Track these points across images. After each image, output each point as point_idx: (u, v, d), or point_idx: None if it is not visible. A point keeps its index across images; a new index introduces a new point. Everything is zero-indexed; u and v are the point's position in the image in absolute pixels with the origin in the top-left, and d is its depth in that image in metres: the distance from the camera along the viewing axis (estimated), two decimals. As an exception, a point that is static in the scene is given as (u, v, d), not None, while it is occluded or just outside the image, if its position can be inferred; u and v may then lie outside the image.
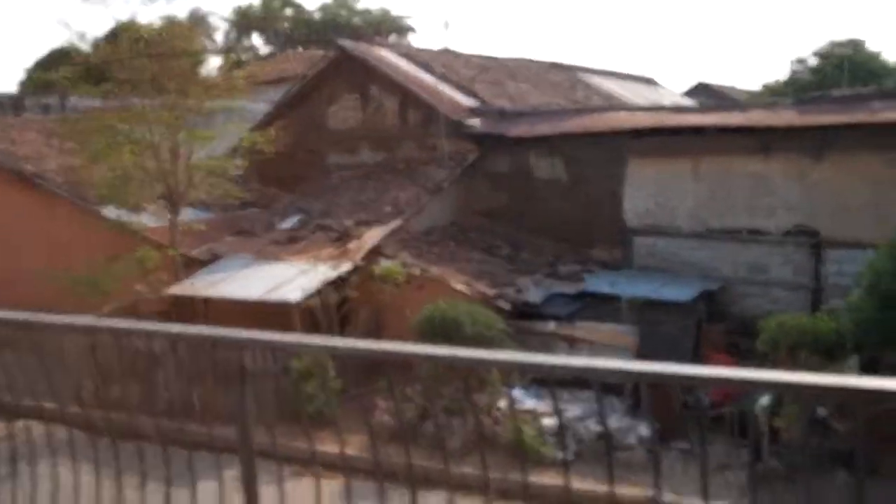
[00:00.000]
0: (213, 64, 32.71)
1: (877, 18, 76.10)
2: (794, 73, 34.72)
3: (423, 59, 20.16)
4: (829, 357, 10.65)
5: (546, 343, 13.24)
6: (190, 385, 11.68)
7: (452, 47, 23.49)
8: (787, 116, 14.31)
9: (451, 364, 2.98)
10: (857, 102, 14.28)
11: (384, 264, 13.83)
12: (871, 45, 33.91)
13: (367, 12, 42.45)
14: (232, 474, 3.72)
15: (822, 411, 10.55)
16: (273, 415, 4.11)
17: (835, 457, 9.26)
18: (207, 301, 14.57)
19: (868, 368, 10.47)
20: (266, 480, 3.51)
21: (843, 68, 29.95)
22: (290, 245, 15.55)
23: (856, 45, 32.63)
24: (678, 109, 17.29)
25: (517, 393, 11.38)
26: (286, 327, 12.06)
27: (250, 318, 9.83)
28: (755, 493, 2.50)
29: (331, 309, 13.28)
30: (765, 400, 10.64)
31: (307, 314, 13.40)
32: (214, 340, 3.60)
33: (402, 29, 41.41)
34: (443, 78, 18.85)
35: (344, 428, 4.31)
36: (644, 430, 11.51)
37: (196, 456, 3.82)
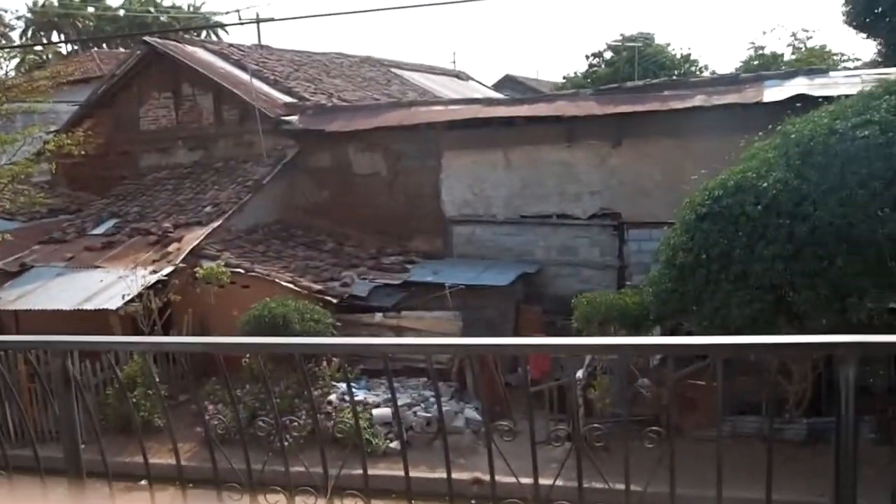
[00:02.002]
0: (10, 64, 30.55)
1: (664, 13, 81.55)
2: (591, 65, 36.55)
3: (236, 55, 19.84)
4: (635, 329, 11.45)
5: (374, 334, 13.47)
6: (6, 401, 11.10)
7: (265, 43, 23.25)
8: (587, 106, 15.18)
9: (292, 351, 3.09)
10: (649, 92, 15.34)
11: (207, 265, 13.59)
12: (660, 39, 36.18)
13: (176, 9, 40.97)
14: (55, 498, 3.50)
15: (643, 381, 11.40)
16: (99, 427, 3.87)
17: (643, 422, 10.05)
18: (18, 315, 13.80)
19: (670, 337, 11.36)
20: (94, 498, 3.38)
21: (635, 61, 31.91)
22: (105, 251, 14.94)
23: (645, 39, 34.74)
24: (489, 102, 17.90)
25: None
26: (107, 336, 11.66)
27: (67, 330, 9.48)
28: (580, 462, 2.77)
29: (153, 314, 12.94)
30: (579, 374, 11.38)
31: (128, 321, 13.00)
32: (33, 346, 3.37)
33: (213, 26, 40.24)
34: (257, 75, 18.64)
35: (169, 436, 4.07)
36: (470, 412, 12.01)
37: (17, 479, 3.53)
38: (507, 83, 38.32)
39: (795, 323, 9.41)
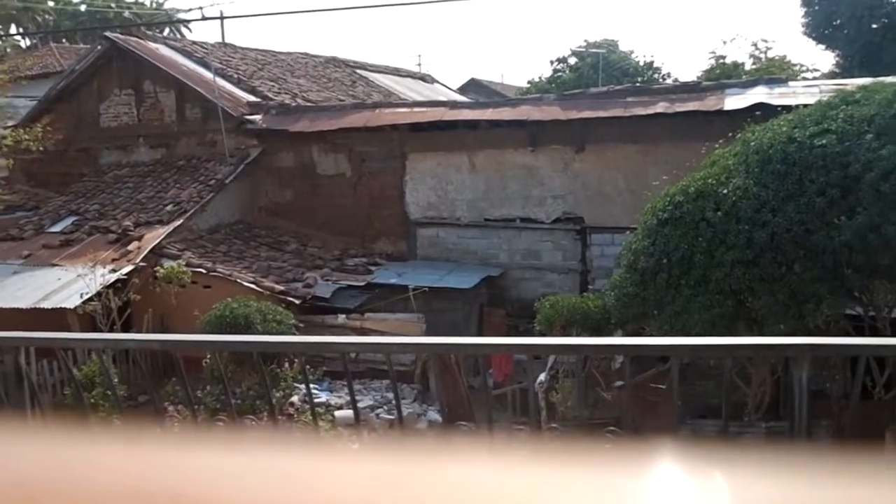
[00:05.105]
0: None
1: (628, 21, 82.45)
2: (555, 70, 36.73)
3: (199, 53, 19.67)
4: (597, 332, 11.50)
5: (337, 336, 13.42)
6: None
7: (229, 41, 23.10)
8: (551, 111, 15.25)
9: (249, 349, 3.07)
10: (612, 98, 15.45)
11: (168, 265, 13.45)
12: (624, 46, 36.48)
13: (138, 4, 40.51)
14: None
15: (617, 385, 11.47)
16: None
17: (604, 425, 10.12)
18: (-29, 313, 13.53)
19: (631, 341, 11.44)
20: None
21: (599, 67, 32.15)
22: (63, 249, 14.72)
23: (610, 46, 35.00)
24: (454, 105, 17.91)
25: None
26: (64, 335, 11.46)
27: (24, 329, 9.31)
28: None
29: (112, 314, 12.76)
30: (542, 377, 11.43)
31: (87, 321, 12.79)
32: None
33: (176, 22, 39.85)
34: (221, 73, 18.49)
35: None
36: (433, 414, 12.00)
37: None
38: (472, 86, 38.43)
39: (755, 328, 9.53)
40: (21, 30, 37.91)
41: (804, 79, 25.53)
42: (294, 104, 18.50)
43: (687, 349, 2.74)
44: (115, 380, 10.64)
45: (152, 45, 19.24)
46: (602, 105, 14.99)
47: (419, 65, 40.55)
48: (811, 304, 9.00)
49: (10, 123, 17.25)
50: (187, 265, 13.56)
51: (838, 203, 8.91)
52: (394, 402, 11.51)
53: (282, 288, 13.68)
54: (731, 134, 10.95)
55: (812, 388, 2.38)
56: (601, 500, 0.68)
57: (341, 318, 13.72)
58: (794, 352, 2.31)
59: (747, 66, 32.94)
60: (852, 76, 17.67)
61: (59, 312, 12.56)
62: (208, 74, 17.79)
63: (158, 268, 13.42)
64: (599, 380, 11.36)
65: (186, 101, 18.04)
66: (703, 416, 10.92)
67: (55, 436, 0.86)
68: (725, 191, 9.63)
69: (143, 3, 41.16)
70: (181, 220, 15.20)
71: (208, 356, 10.35)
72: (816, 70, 32.24)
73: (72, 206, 16.98)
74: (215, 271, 13.80)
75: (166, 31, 37.68)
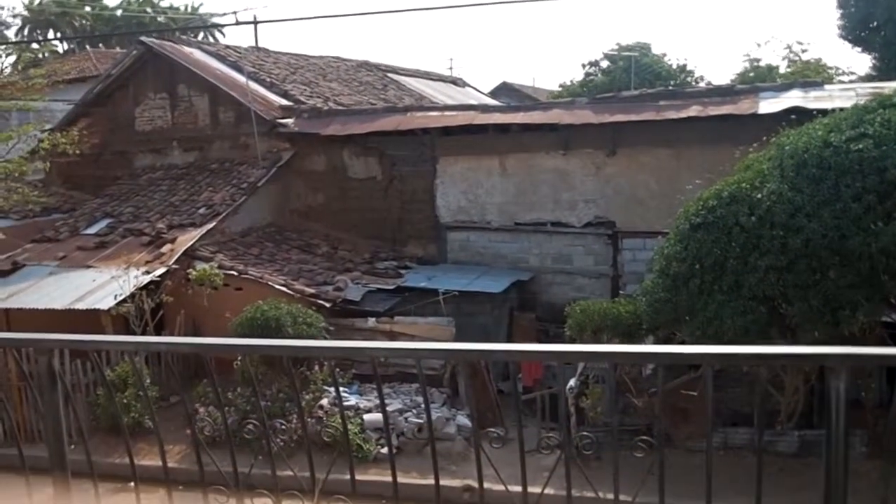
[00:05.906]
0: (6, 62, 30.64)
1: (661, 24, 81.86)
2: (587, 74, 36.54)
3: (233, 57, 19.82)
4: (628, 338, 11.41)
5: (367, 339, 13.43)
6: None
7: (262, 45, 23.26)
8: (583, 115, 15.18)
9: (279, 353, 3.06)
10: (645, 101, 15.33)
11: (200, 267, 13.55)
12: (657, 49, 36.16)
13: (173, 9, 40.98)
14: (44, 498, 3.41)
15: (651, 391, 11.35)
16: (87, 427, 3.82)
17: (634, 432, 10.02)
18: (8, 314, 13.73)
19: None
20: (79, 499, 3.28)
21: (631, 70, 31.93)
22: (98, 251, 14.89)
23: (642, 49, 34.75)
24: (485, 108, 17.85)
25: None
26: (98, 336, 11.58)
27: (58, 330, 9.40)
28: (569, 470, 2.77)
29: (145, 315, 12.89)
30: (572, 382, 11.36)
31: (120, 322, 12.94)
32: (18, 345, 3.28)
33: (210, 27, 40.26)
34: (254, 77, 18.63)
35: (163, 438, 3.94)
36: (462, 419, 11.96)
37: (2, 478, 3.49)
38: (503, 90, 38.35)
39: (788, 335, 9.40)
40: (59, 35, 38.49)
41: (840, 82, 25.20)
42: (326, 108, 18.56)
43: (720, 358, 2.70)
44: (147, 381, 10.73)
45: (187, 49, 19.42)
46: (634, 108, 14.88)
47: (451, 68, 40.56)
48: (846, 310, 8.86)
49: (48, 127, 17.52)
50: (219, 267, 13.66)
51: (875, 208, 8.77)
52: (423, 405, 11.51)
53: (312, 291, 13.73)
54: (765, 138, 10.82)
55: (848, 397, 2.33)
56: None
57: (371, 321, 13.72)
58: (833, 362, 2.26)
59: (782, 69, 32.59)
60: (889, 79, 17.37)
61: (93, 313, 12.71)
62: (241, 78, 17.92)
63: (191, 270, 13.53)
64: (630, 386, 11.26)
65: (220, 104, 18.18)
66: (735, 424, 10.80)
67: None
68: (759, 195, 9.51)
69: (178, 8, 41.63)
70: (214, 223, 15.31)
71: (239, 358, 10.40)
72: (853, 73, 31.80)
73: (106, 208, 17.18)
74: (247, 274, 13.88)
75: (200, 35, 38.03)
